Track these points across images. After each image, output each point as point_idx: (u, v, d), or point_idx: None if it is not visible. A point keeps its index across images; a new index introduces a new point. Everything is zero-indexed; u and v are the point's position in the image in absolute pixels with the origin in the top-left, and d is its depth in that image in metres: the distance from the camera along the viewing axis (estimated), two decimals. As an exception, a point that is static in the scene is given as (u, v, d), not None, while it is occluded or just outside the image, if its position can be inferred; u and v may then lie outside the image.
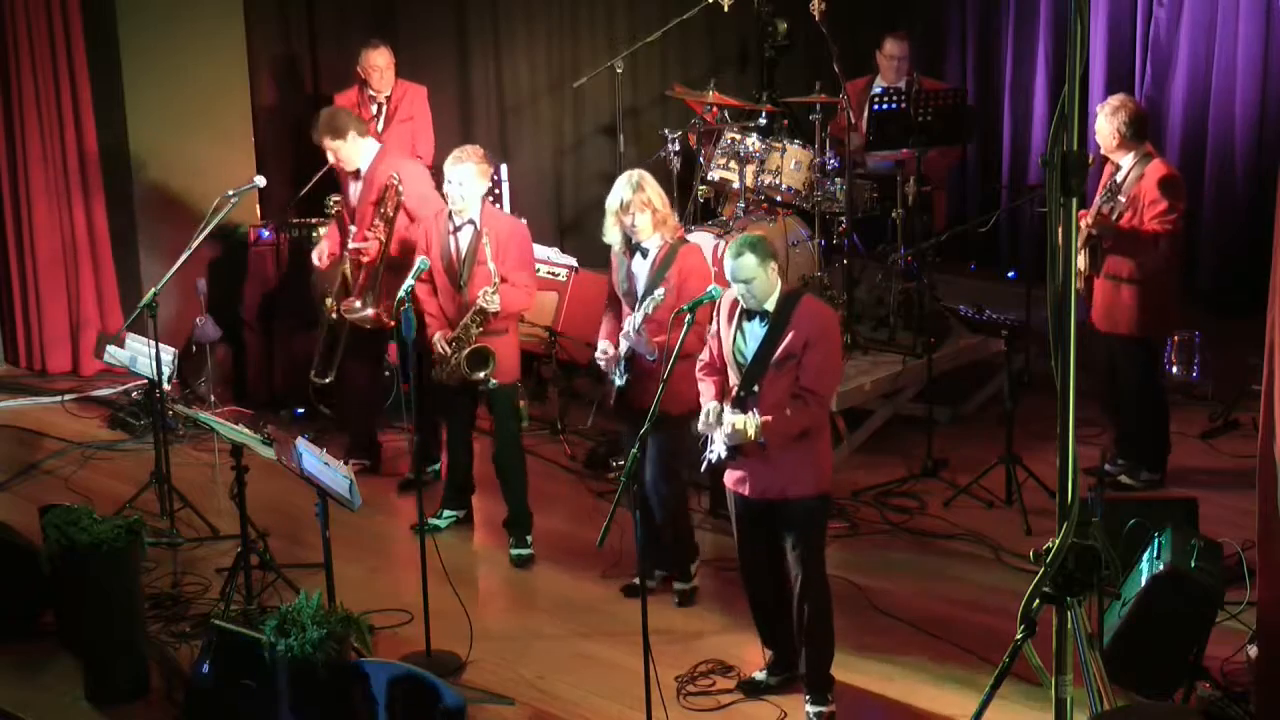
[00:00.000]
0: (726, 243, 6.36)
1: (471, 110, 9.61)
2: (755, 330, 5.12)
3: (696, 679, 5.53)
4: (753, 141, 7.99)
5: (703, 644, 5.81)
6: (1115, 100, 6.70)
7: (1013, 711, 5.03)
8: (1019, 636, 3.96)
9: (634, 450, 4.88)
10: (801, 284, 7.51)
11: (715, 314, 5.37)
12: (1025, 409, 7.16)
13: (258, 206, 8.72)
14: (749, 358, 5.12)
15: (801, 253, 7.94)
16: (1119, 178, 6.66)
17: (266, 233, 8.43)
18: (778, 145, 8.03)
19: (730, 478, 5.25)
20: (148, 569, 6.16)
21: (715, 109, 8.36)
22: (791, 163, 8.01)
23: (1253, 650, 5.20)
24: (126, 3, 8.55)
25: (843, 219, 8.00)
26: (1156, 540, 5.26)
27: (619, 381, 5.93)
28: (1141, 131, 6.67)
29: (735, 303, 5.17)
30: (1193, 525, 5.76)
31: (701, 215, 8.51)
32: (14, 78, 8.39)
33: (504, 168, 9.10)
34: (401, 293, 5.93)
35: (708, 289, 5.35)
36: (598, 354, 6.06)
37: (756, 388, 5.08)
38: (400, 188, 6.99)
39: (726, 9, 8.62)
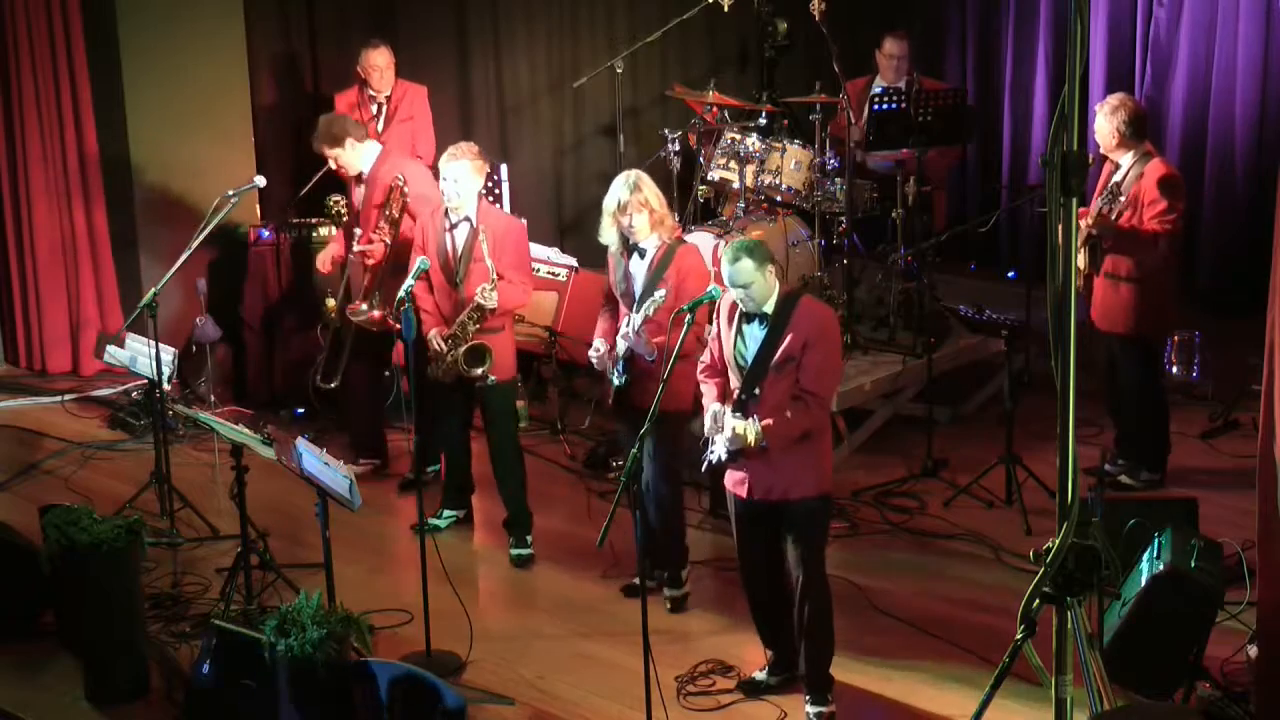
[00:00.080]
0: (726, 243, 6.36)
1: (471, 110, 9.61)
2: (755, 333, 5.12)
3: (696, 679, 5.54)
4: (753, 141, 7.98)
5: (703, 644, 5.81)
6: (1115, 99, 6.70)
7: (1013, 711, 5.03)
8: (1019, 636, 3.96)
9: (634, 450, 4.88)
10: (801, 284, 7.51)
11: (715, 316, 5.37)
12: (1025, 409, 7.16)
13: (258, 206, 8.72)
14: (749, 360, 5.12)
15: (801, 253, 7.94)
16: (1118, 177, 6.66)
17: (266, 233, 8.43)
18: (778, 145, 8.02)
19: (731, 479, 5.24)
20: (148, 569, 6.17)
21: (715, 109, 8.36)
22: (791, 163, 8.01)
23: (1253, 650, 5.20)
24: (126, 3, 8.55)
25: (843, 219, 8.00)
26: (1156, 540, 5.26)
27: (617, 382, 5.93)
28: (1141, 130, 6.67)
29: (735, 305, 5.17)
30: (1193, 525, 5.75)
31: (701, 215, 8.51)
32: (14, 78, 8.39)
33: (504, 168, 9.10)
34: (402, 293, 5.94)
35: (708, 289, 5.34)
36: (591, 352, 6.06)
37: (757, 390, 5.08)
38: (406, 189, 6.98)
39: (726, 9, 8.61)
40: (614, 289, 6.05)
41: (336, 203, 8.07)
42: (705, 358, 5.42)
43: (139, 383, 7.96)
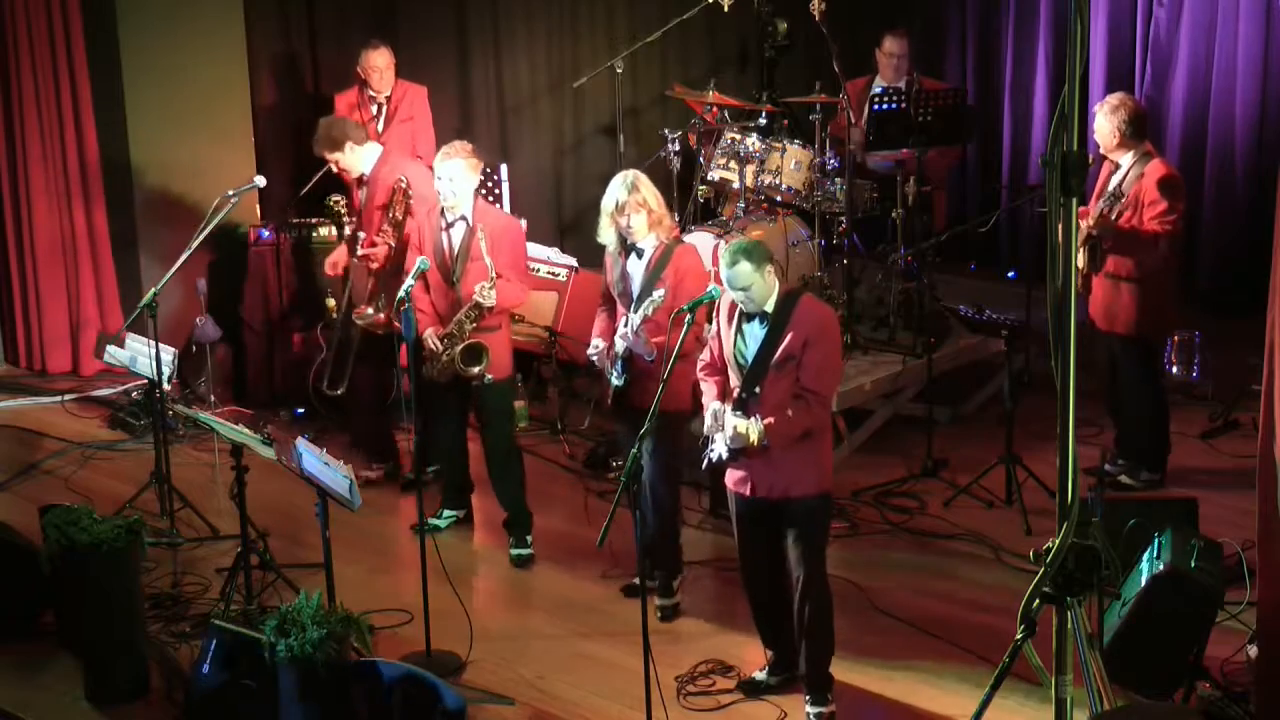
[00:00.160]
0: (726, 242, 6.36)
1: (471, 110, 9.61)
2: (755, 331, 5.12)
3: (696, 679, 5.53)
4: (753, 141, 7.98)
5: (703, 644, 5.81)
6: (1114, 99, 6.70)
7: (1013, 711, 5.03)
8: (1019, 636, 3.96)
9: (634, 450, 4.88)
10: (801, 284, 7.51)
11: (715, 314, 5.37)
12: (1025, 409, 7.16)
13: (258, 206, 8.72)
14: (749, 359, 5.12)
15: (801, 253, 7.94)
16: (1118, 177, 6.66)
17: (266, 233, 8.43)
18: (778, 145, 8.02)
19: (731, 478, 5.25)
20: (148, 569, 6.16)
21: (715, 109, 8.35)
22: (791, 163, 8.01)
23: (1253, 650, 5.20)
24: (126, 3, 8.55)
25: (843, 219, 8.00)
26: (1156, 540, 5.26)
27: (616, 382, 5.93)
28: (1141, 130, 6.67)
29: (735, 304, 5.17)
30: (1193, 525, 5.76)
31: (701, 215, 8.51)
32: (14, 78, 8.38)
33: (504, 168, 9.10)
34: (402, 293, 5.94)
35: (708, 289, 5.34)
36: (590, 350, 6.06)
37: (758, 389, 5.08)
38: (409, 191, 6.98)
39: (726, 9, 8.61)
40: (611, 289, 6.05)
41: (336, 202, 8.07)
42: (705, 356, 5.42)
43: (139, 383, 7.96)
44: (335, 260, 7.57)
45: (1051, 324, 3.79)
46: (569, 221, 10.00)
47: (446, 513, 6.90)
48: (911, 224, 8.04)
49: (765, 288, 5.05)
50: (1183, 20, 9.36)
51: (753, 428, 5.00)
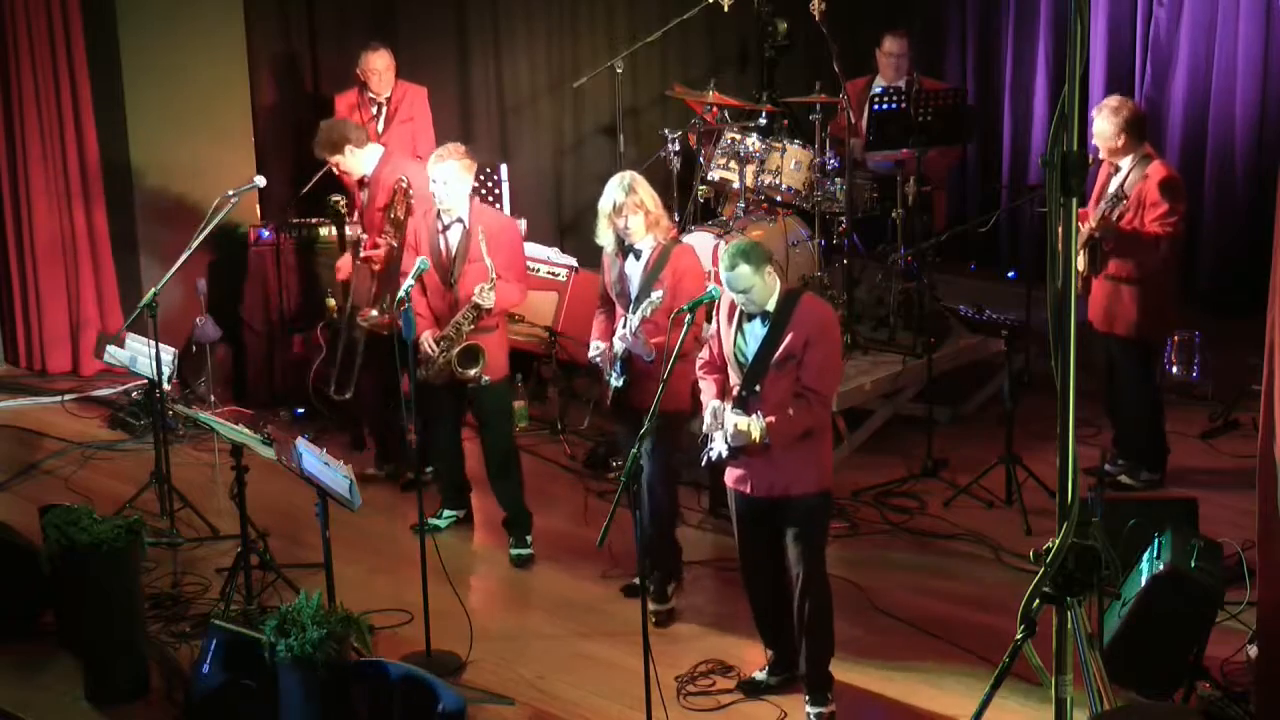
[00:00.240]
0: (726, 243, 6.35)
1: (471, 110, 9.61)
2: (756, 330, 5.12)
3: (696, 679, 5.53)
4: (753, 141, 7.98)
5: (703, 644, 5.81)
6: (1114, 101, 6.70)
7: (1013, 711, 5.03)
8: (1019, 636, 3.96)
9: (634, 450, 4.87)
10: (801, 284, 7.51)
11: (714, 313, 5.37)
12: (1025, 409, 7.15)
13: (258, 206, 8.72)
14: (750, 358, 5.12)
15: (801, 253, 7.94)
16: (1118, 179, 6.66)
17: (266, 233, 8.43)
18: (778, 145, 8.02)
19: (731, 476, 5.25)
20: (148, 569, 6.16)
21: (715, 109, 8.35)
22: (791, 163, 8.01)
23: (1253, 650, 5.20)
24: (126, 3, 8.54)
25: (843, 219, 8.00)
26: (1156, 540, 5.26)
27: (615, 382, 5.92)
28: (1141, 132, 6.67)
29: (735, 302, 5.17)
30: (1193, 525, 5.76)
31: (701, 215, 8.51)
32: (14, 78, 8.38)
33: (504, 168, 9.10)
34: (401, 293, 5.93)
35: (707, 289, 5.34)
36: (591, 351, 6.06)
37: (758, 388, 5.08)
38: (411, 191, 6.97)
39: (726, 9, 8.61)
40: (609, 290, 6.05)
41: (337, 202, 8.07)
42: (704, 354, 5.43)
43: (139, 383, 7.96)
44: (342, 265, 7.58)
45: (1051, 324, 3.79)
46: (569, 221, 10.00)
47: (446, 513, 6.90)
48: (911, 224, 8.04)
49: (765, 289, 5.05)
50: (1183, 20, 9.36)
51: (755, 425, 5.00)
